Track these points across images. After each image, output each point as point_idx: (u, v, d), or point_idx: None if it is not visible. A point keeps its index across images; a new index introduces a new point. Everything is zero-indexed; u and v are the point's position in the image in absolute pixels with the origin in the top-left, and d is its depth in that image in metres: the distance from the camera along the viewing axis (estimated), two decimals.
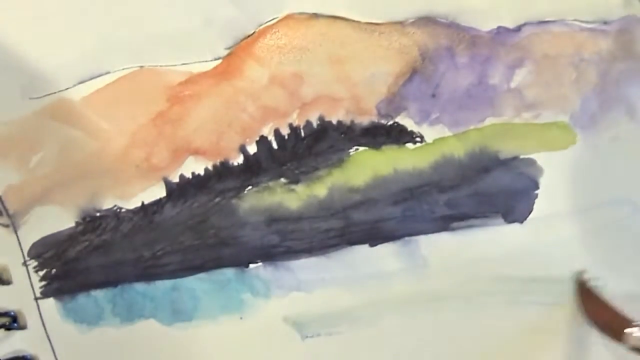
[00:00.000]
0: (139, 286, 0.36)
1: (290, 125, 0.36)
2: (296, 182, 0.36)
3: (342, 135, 0.36)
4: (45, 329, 0.36)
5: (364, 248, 0.36)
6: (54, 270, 0.36)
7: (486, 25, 0.36)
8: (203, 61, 0.35)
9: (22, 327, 0.36)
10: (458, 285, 0.36)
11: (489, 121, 0.36)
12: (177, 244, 0.36)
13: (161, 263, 0.36)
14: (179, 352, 0.36)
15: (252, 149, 0.35)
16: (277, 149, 0.36)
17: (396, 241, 0.36)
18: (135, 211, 0.35)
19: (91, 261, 0.36)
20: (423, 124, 0.36)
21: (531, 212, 0.36)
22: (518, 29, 0.36)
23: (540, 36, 0.36)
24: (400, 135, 0.36)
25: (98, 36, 0.34)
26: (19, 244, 0.35)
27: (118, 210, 0.35)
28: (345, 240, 0.36)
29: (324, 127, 0.36)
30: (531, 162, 0.36)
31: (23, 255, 0.35)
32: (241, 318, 0.36)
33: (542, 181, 0.36)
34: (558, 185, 0.36)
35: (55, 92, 0.35)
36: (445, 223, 0.36)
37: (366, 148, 0.36)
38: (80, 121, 0.35)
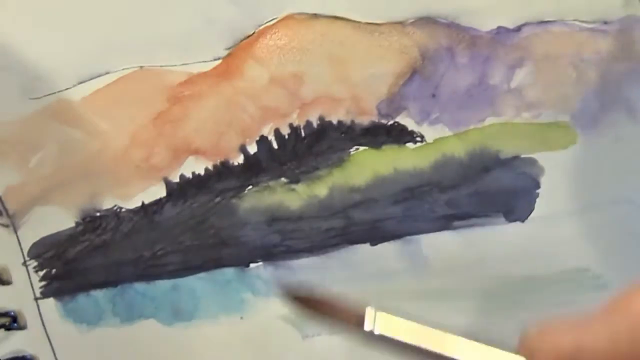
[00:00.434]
0: (139, 286, 0.36)
1: (291, 125, 0.36)
2: (296, 181, 0.36)
3: (343, 135, 0.36)
4: (45, 329, 0.36)
5: (365, 247, 0.36)
6: (53, 270, 0.36)
7: (486, 25, 0.36)
8: (203, 61, 0.35)
9: (22, 327, 0.36)
10: (459, 284, 0.36)
11: (490, 121, 0.36)
12: (177, 244, 0.36)
13: (161, 263, 0.36)
14: (179, 352, 0.36)
15: (252, 148, 0.35)
16: (278, 148, 0.36)
17: (397, 240, 0.36)
18: (135, 211, 0.35)
19: (91, 261, 0.36)
20: (423, 123, 0.36)
21: (532, 211, 0.36)
22: (518, 29, 0.36)
23: (540, 36, 0.36)
24: (400, 135, 0.36)
25: (98, 36, 0.34)
26: (19, 244, 0.35)
27: (118, 210, 0.35)
28: (346, 239, 0.36)
29: (324, 127, 0.36)
30: (532, 162, 0.36)
31: (23, 255, 0.35)
32: (242, 318, 0.36)
33: (543, 181, 0.36)
34: (559, 185, 0.36)
35: (55, 92, 0.35)
36: (446, 222, 0.36)
37: (366, 148, 0.36)
38: (80, 121, 0.35)
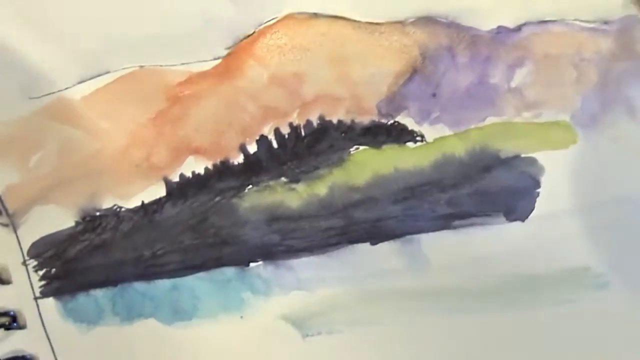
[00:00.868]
0: (139, 285, 0.36)
1: (291, 125, 0.36)
2: (297, 181, 0.36)
3: (343, 135, 0.36)
4: (45, 328, 0.36)
5: (365, 247, 0.36)
6: (53, 270, 0.36)
7: (486, 25, 0.36)
8: (203, 61, 0.35)
9: (22, 327, 0.36)
10: (459, 283, 0.36)
11: (490, 120, 0.36)
12: (177, 243, 0.36)
13: (161, 262, 0.36)
14: (179, 351, 0.36)
15: (252, 148, 0.36)
16: (278, 148, 0.36)
17: (397, 240, 0.36)
18: (135, 210, 0.35)
19: (91, 261, 0.36)
20: (423, 123, 0.36)
21: (533, 210, 0.36)
22: (518, 28, 0.36)
23: (540, 36, 0.36)
24: (400, 135, 0.36)
25: (98, 36, 0.34)
26: (19, 243, 0.35)
27: (118, 209, 0.35)
28: (346, 239, 0.36)
29: (325, 127, 0.36)
30: (532, 161, 0.36)
31: (23, 254, 0.35)
32: (241, 317, 0.36)
33: (544, 180, 0.36)
34: (559, 184, 0.36)
35: (55, 92, 0.35)
36: (447, 222, 0.36)
37: (367, 147, 0.36)
38: (80, 121, 0.35)
